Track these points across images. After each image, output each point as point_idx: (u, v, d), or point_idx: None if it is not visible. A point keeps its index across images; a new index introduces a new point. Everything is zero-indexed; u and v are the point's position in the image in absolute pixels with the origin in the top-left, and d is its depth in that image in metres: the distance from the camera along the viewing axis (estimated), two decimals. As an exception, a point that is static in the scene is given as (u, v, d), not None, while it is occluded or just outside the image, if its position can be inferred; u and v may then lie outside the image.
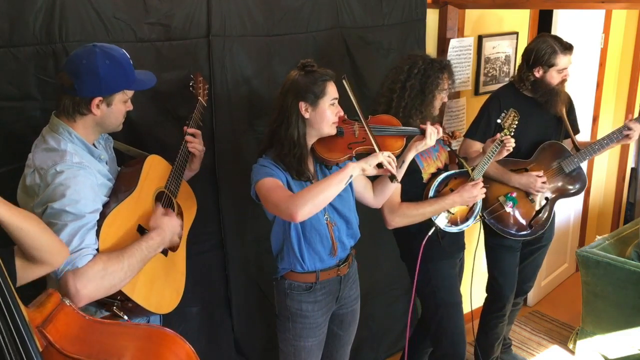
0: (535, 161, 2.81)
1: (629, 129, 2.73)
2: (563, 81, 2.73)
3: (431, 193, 2.42)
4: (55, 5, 1.92)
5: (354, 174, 1.89)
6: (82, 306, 1.55)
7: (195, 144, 2.04)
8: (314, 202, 1.82)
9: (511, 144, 2.43)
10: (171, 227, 1.78)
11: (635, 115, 2.86)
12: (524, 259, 3.04)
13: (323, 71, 2.02)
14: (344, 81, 2.05)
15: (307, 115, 2.00)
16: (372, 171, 1.95)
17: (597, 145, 2.79)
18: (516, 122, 2.46)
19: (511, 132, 2.48)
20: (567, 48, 2.67)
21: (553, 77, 2.70)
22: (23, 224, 1.28)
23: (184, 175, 2.01)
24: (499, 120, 2.48)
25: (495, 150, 2.42)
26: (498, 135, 2.43)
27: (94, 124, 1.71)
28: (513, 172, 2.77)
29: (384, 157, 1.93)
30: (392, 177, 1.97)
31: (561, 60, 2.66)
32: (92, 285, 1.51)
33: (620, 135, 2.76)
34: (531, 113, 2.70)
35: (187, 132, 2.03)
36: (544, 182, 2.73)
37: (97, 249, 1.58)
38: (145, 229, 1.75)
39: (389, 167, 1.93)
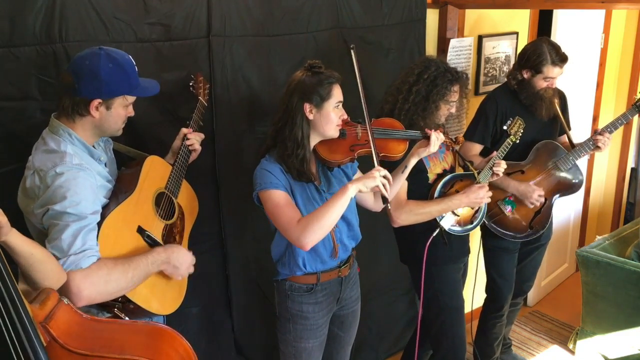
0: (531, 162, 2.81)
1: (596, 139, 2.74)
2: (548, 88, 2.72)
3: (437, 194, 2.41)
4: (55, 5, 1.91)
5: (352, 195, 1.91)
6: (84, 308, 1.56)
7: (195, 143, 2.03)
8: (322, 229, 1.88)
9: (501, 168, 2.42)
10: (181, 255, 1.79)
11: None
12: (522, 259, 3.04)
13: (329, 73, 2.01)
14: (352, 51, 2.04)
15: (311, 117, 2.00)
16: (367, 191, 1.95)
17: (591, 142, 2.79)
18: (522, 130, 2.47)
19: (517, 138, 2.48)
20: (561, 60, 2.65)
21: (539, 82, 2.70)
22: (32, 249, 1.33)
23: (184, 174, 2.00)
24: (505, 127, 2.49)
25: (502, 155, 2.45)
26: (494, 153, 2.43)
27: (93, 126, 1.71)
28: (509, 175, 2.77)
29: (380, 179, 1.91)
30: (385, 199, 1.97)
31: (549, 70, 2.66)
32: (95, 288, 1.52)
33: (590, 146, 2.77)
34: (526, 113, 2.70)
35: (187, 136, 2.01)
36: (540, 195, 2.73)
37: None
38: (145, 230, 1.74)
39: (382, 191, 1.93)
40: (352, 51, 2.05)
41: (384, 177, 1.92)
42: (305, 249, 1.90)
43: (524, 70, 2.72)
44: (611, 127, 2.78)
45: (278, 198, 1.95)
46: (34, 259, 1.33)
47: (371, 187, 1.91)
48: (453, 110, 2.41)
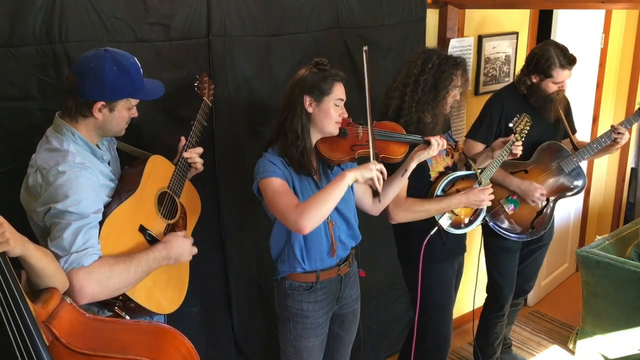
0: (535, 162, 2.81)
1: (618, 132, 2.72)
2: (560, 91, 2.73)
3: (437, 192, 2.41)
4: (55, 5, 1.91)
5: (350, 182, 1.92)
6: (85, 307, 1.56)
7: (196, 160, 2.01)
8: (321, 212, 1.86)
9: (519, 150, 2.43)
10: (179, 246, 1.78)
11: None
12: (524, 259, 3.04)
13: (335, 72, 2.03)
14: (364, 53, 2.04)
15: (310, 110, 2.01)
16: (362, 181, 1.95)
17: (595, 144, 2.79)
18: (528, 127, 2.47)
19: (523, 136, 2.48)
20: (569, 63, 2.64)
21: (549, 86, 2.70)
22: (45, 264, 1.33)
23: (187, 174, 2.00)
24: (510, 124, 2.48)
25: (505, 155, 2.44)
26: (511, 136, 2.42)
27: (96, 127, 1.71)
28: (513, 174, 2.77)
29: (376, 172, 1.93)
30: (375, 193, 1.98)
31: (559, 74, 2.65)
32: (97, 285, 1.52)
33: (608, 139, 2.76)
34: (531, 114, 2.70)
35: (184, 156, 1.97)
36: (542, 194, 2.73)
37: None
38: (147, 229, 1.75)
39: (375, 183, 1.94)
40: (364, 53, 2.04)
41: (379, 171, 1.94)
42: (303, 232, 1.87)
43: (532, 75, 2.71)
44: (627, 123, 2.76)
45: (277, 185, 1.96)
46: (44, 274, 1.33)
47: (367, 177, 1.92)
48: (458, 97, 2.41)
